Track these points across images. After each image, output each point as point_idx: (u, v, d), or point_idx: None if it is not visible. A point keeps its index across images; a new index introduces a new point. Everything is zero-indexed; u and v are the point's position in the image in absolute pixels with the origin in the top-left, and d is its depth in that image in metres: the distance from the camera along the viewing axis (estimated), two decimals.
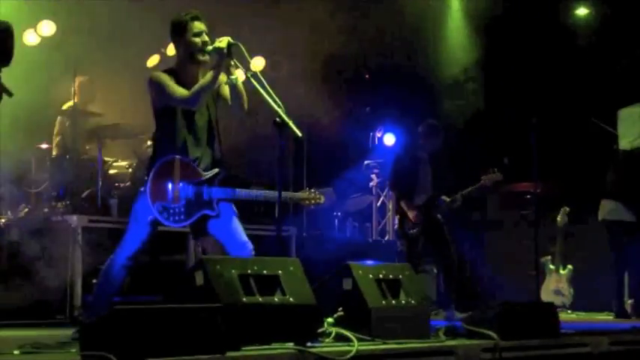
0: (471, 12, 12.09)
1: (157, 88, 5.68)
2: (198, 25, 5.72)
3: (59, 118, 9.21)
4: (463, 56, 12.02)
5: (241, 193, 5.75)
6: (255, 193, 5.82)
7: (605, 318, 9.05)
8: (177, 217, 5.60)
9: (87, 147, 9.07)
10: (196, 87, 5.65)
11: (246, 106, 5.77)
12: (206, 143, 5.79)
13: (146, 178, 5.64)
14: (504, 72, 11.52)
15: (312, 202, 5.99)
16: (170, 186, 5.61)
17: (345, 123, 11.79)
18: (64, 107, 9.09)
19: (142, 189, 5.65)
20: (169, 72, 5.78)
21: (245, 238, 5.69)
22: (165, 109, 5.70)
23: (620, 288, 9.01)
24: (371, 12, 10.89)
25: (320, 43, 10.27)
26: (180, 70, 5.78)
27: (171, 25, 5.80)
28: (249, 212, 8.19)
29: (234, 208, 5.79)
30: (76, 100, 9.04)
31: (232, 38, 5.61)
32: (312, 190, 6.03)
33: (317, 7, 9.99)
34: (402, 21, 11.37)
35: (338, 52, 10.57)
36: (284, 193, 5.70)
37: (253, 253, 5.61)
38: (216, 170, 5.74)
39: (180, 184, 5.62)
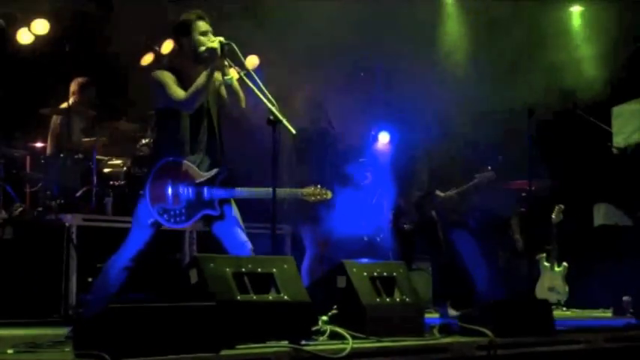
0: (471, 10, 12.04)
1: (158, 88, 5.69)
2: (204, 25, 5.73)
3: (54, 117, 9.20)
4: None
5: (241, 191, 5.76)
6: (256, 191, 5.82)
7: (601, 315, 9.06)
8: (178, 219, 5.62)
9: (81, 146, 9.05)
10: (191, 89, 5.64)
11: (243, 104, 5.79)
12: (208, 144, 5.79)
13: (145, 180, 5.65)
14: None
15: (319, 197, 5.99)
16: (169, 188, 5.62)
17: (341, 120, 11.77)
18: (60, 106, 9.10)
19: (142, 192, 5.66)
20: (171, 70, 5.77)
21: (245, 237, 5.70)
22: (166, 110, 5.71)
23: (619, 286, 9.01)
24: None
25: None
26: (183, 69, 5.78)
27: (177, 24, 5.80)
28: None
29: (236, 207, 5.80)
30: (73, 100, 9.05)
31: (224, 38, 5.62)
32: (319, 186, 6.02)
33: None
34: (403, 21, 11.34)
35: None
36: (291, 191, 5.72)
37: (253, 253, 5.62)
38: (216, 170, 5.74)
39: (180, 186, 5.63)
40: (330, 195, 6.01)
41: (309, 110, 8.12)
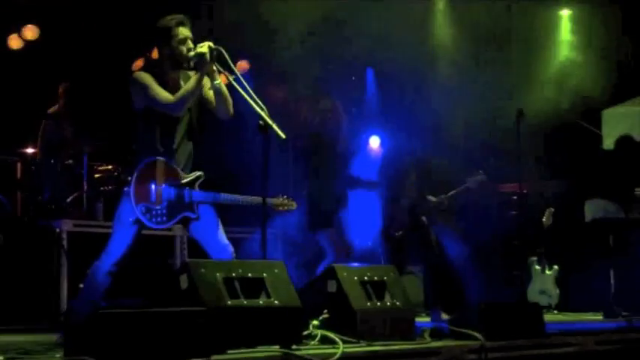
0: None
1: (140, 88, 5.65)
2: (184, 31, 5.69)
3: (44, 122, 9.19)
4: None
5: (222, 196, 5.76)
6: (236, 197, 5.84)
7: (592, 318, 9.07)
8: (159, 219, 5.60)
9: (71, 151, 9.04)
10: (180, 92, 5.62)
11: (231, 109, 5.77)
12: (186, 145, 5.78)
13: (129, 178, 5.64)
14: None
15: (285, 207, 6.08)
16: (153, 187, 5.61)
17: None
18: (50, 111, 9.09)
19: (126, 189, 5.64)
20: (152, 74, 5.75)
21: (226, 240, 5.71)
22: (145, 111, 5.67)
23: (608, 288, 9.03)
24: None
25: None
26: (162, 74, 5.75)
27: (156, 30, 5.76)
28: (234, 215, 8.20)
29: (215, 211, 5.80)
30: (61, 105, 9.04)
31: (213, 43, 5.60)
32: (285, 197, 6.09)
33: None
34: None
35: None
36: (258, 198, 5.72)
37: (234, 255, 5.63)
38: (197, 173, 5.74)
39: (163, 186, 5.62)
40: (294, 206, 6.10)
41: (319, 119, 8.13)
